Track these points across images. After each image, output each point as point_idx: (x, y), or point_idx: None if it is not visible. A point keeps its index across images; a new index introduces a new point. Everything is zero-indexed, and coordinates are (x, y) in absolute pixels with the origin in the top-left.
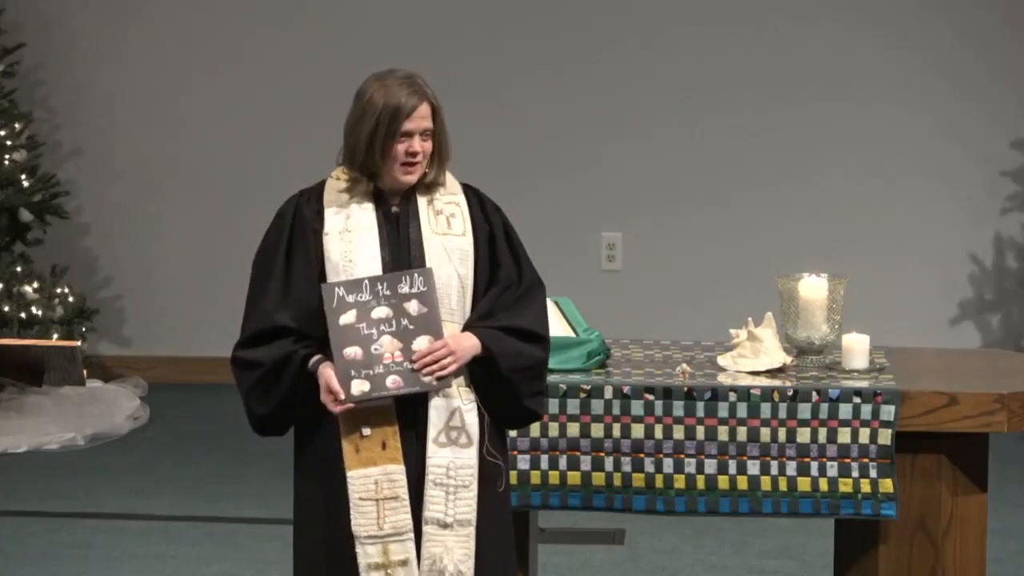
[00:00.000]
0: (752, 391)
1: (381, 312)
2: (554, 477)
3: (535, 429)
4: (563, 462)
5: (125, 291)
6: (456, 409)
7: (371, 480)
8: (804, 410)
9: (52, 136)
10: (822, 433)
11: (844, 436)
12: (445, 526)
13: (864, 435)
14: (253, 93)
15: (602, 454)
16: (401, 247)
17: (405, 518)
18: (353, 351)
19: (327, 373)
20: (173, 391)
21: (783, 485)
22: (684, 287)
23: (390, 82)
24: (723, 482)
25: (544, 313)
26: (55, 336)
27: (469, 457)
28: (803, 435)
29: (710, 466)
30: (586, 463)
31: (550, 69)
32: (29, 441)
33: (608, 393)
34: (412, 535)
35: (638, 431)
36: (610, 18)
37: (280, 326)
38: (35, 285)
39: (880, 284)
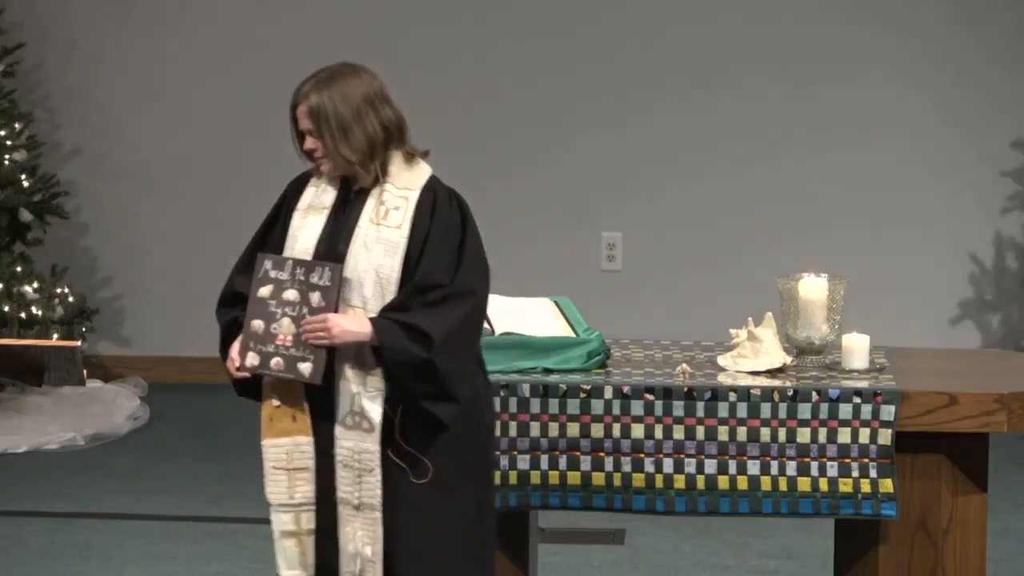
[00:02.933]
0: (752, 391)
1: (291, 295)
2: (554, 477)
3: (535, 429)
4: (563, 462)
5: (125, 291)
6: (356, 395)
7: (283, 450)
8: (804, 410)
9: (52, 136)
10: (822, 433)
11: (844, 436)
12: (354, 507)
13: (864, 435)
14: (254, 93)
15: (602, 454)
16: (337, 231)
17: (310, 489)
18: (257, 324)
19: (239, 337)
20: (173, 391)
21: (783, 485)
22: (684, 287)
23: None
24: (723, 482)
25: (456, 319)
26: (55, 336)
27: (372, 443)
28: (803, 435)
29: (710, 466)
30: (586, 463)
31: (550, 69)
32: (29, 441)
33: (608, 393)
34: (315, 507)
35: (638, 431)
36: (610, 17)
37: (236, 291)
38: (35, 285)
39: (880, 284)
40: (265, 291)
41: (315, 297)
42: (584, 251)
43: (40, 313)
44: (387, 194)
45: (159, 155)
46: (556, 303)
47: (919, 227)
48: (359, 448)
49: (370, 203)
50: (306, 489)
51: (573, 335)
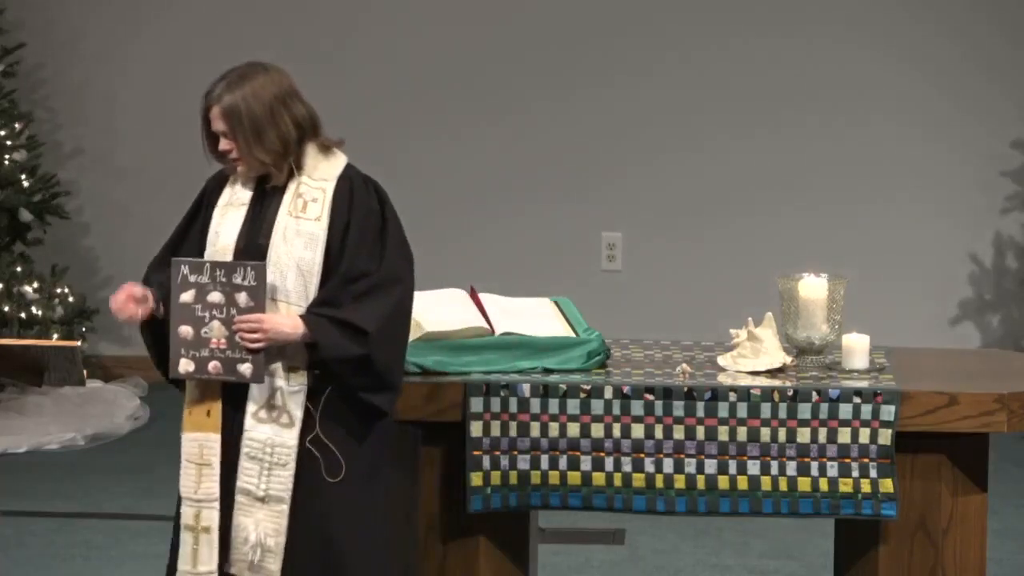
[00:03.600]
0: (752, 391)
1: (215, 297)
2: (554, 477)
3: (535, 429)
4: (563, 462)
5: None
6: (278, 389)
7: (196, 444)
8: (804, 410)
9: (52, 136)
10: (822, 433)
11: (844, 436)
12: (257, 499)
13: (864, 435)
14: None
15: (602, 454)
16: (256, 226)
17: (214, 486)
18: (186, 330)
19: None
20: (173, 391)
21: (783, 485)
22: (684, 287)
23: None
24: (723, 482)
25: (385, 309)
26: (55, 336)
27: (289, 437)
28: (803, 435)
29: (710, 466)
30: (586, 463)
31: (552, 69)
32: (29, 441)
33: (608, 393)
34: (218, 505)
35: (638, 431)
36: (612, 20)
37: (151, 280)
38: (35, 285)
39: (880, 284)
40: (187, 296)
41: (242, 297)
42: (584, 251)
43: (40, 313)
44: (304, 186)
45: (160, 155)
46: (556, 303)
47: (919, 227)
48: (274, 442)
49: (287, 196)
50: (209, 485)
51: (573, 335)
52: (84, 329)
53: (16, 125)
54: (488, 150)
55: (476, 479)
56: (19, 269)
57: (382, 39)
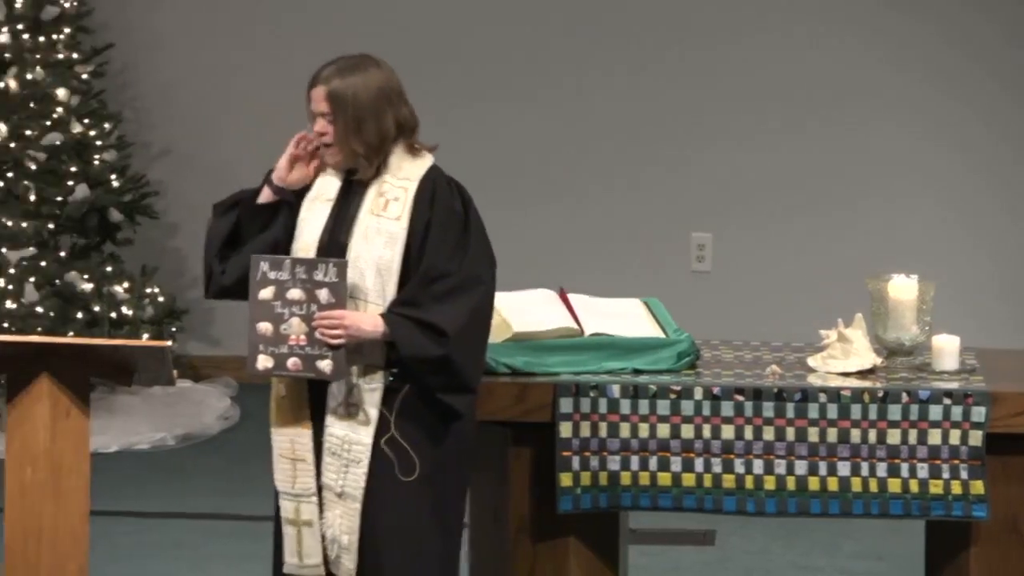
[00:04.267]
0: (842, 392)
1: (295, 294)
2: (644, 478)
3: (625, 430)
4: (653, 463)
5: None
6: (355, 386)
7: (287, 440)
8: (894, 411)
9: (141, 136)
10: (912, 434)
11: (935, 437)
12: (336, 494)
13: (955, 436)
14: None
15: (692, 455)
16: (340, 222)
17: (310, 481)
18: (265, 326)
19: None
20: (263, 391)
21: (874, 486)
22: (774, 288)
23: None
24: (813, 483)
25: (465, 310)
26: (145, 336)
27: (365, 435)
28: (893, 436)
29: (800, 467)
30: (676, 464)
31: (639, 69)
32: (119, 441)
33: (698, 394)
34: (316, 499)
35: (728, 432)
36: (699, 17)
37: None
38: (125, 285)
39: (970, 285)
40: (267, 293)
41: (323, 294)
42: (674, 252)
43: (130, 313)
44: (387, 185)
45: (246, 155)
46: (646, 304)
47: (1010, 227)
48: (350, 439)
49: (370, 194)
50: (305, 480)
51: (663, 336)
52: (174, 329)
53: (105, 125)
54: (578, 151)
55: (566, 480)
56: (109, 269)
57: (463, 34)
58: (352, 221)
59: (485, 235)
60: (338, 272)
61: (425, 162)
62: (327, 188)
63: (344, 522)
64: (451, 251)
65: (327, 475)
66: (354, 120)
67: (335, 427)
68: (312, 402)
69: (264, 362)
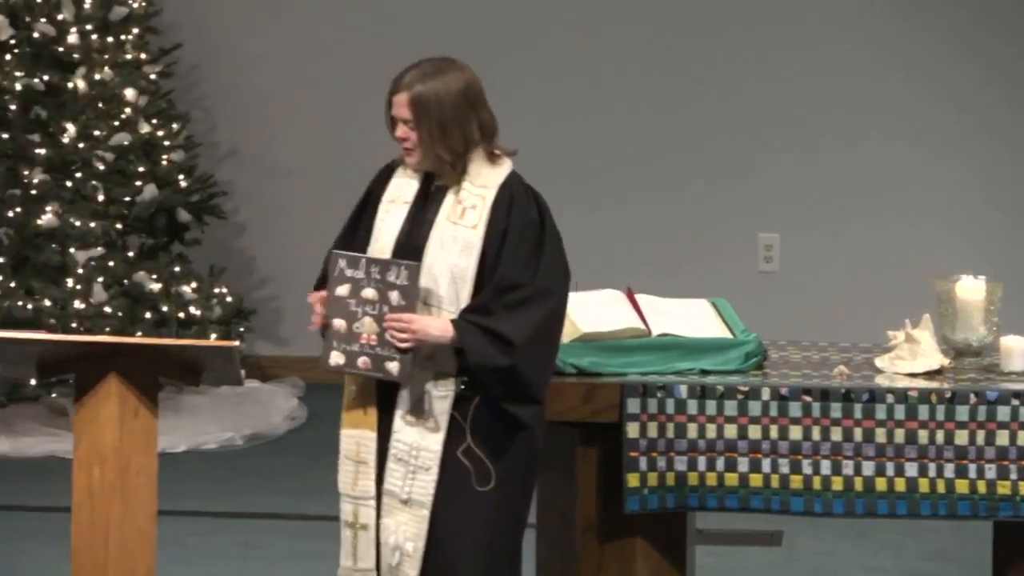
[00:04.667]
0: (910, 393)
1: (369, 293)
2: (711, 478)
3: (692, 430)
4: (720, 463)
5: (282, 291)
6: (426, 393)
7: (353, 441)
8: (962, 412)
9: (209, 136)
10: (980, 435)
11: (1002, 438)
12: (400, 501)
13: (1023, 437)
14: None
15: (759, 455)
16: (416, 227)
17: (370, 485)
18: (339, 323)
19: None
20: (330, 391)
21: (941, 487)
22: (841, 288)
23: (410, 65)
24: (881, 484)
25: (535, 322)
26: (213, 336)
27: (434, 442)
28: (961, 437)
29: (868, 468)
30: (743, 464)
31: (709, 69)
32: (187, 441)
33: (765, 395)
34: (374, 503)
35: (796, 432)
36: (775, 21)
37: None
38: (193, 285)
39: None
40: (343, 290)
41: (394, 296)
42: (741, 253)
43: (198, 313)
44: (464, 192)
45: (315, 155)
46: (713, 304)
47: None
48: (419, 445)
49: (448, 201)
50: (365, 483)
51: (730, 336)
52: (242, 329)
53: (174, 125)
54: (645, 152)
55: (633, 480)
56: (177, 269)
57: (538, 36)
58: (429, 227)
59: (561, 246)
60: (409, 275)
61: (503, 169)
62: (405, 190)
63: (409, 529)
64: (526, 261)
65: (390, 481)
66: (438, 127)
67: (403, 433)
68: (380, 406)
69: (336, 358)
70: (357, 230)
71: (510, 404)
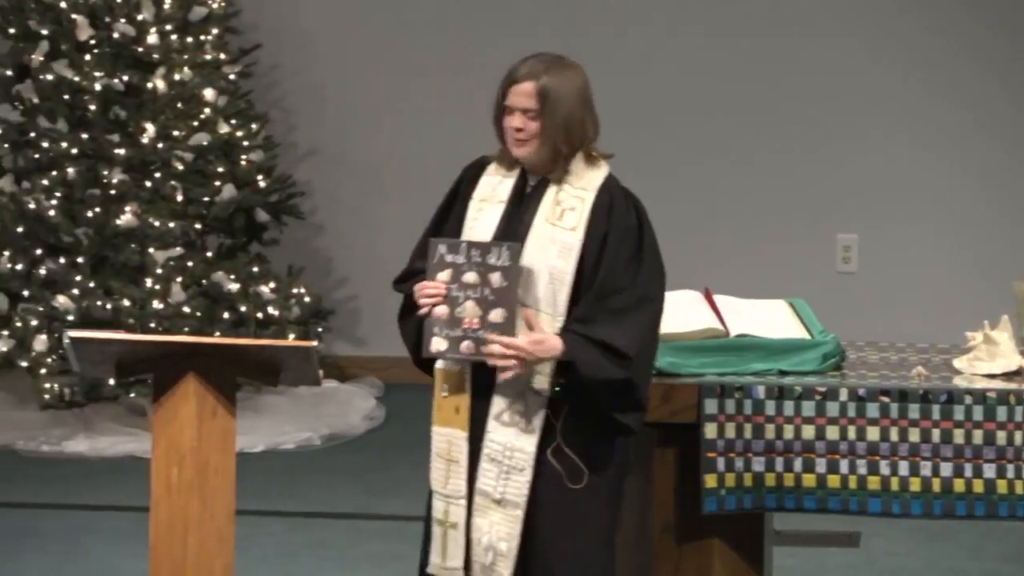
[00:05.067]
0: (988, 394)
1: (470, 277)
2: (789, 479)
3: (770, 431)
4: (798, 464)
5: (360, 291)
6: (523, 393)
7: (444, 439)
8: None
9: (288, 136)
10: None
11: None
12: (493, 501)
13: None
14: (486, 93)
15: (837, 456)
16: (513, 227)
17: (461, 484)
18: (441, 309)
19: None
20: (409, 391)
21: (1019, 488)
22: (920, 289)
23: (524, 58)
24: (959, 485)
25: (643, 331)
26: (291, 336)
27: (528, 443)
28: None
29: (946, 469)
30: (821, 465)
31: (792, 70)
32: (265, 441)
33: (843, 395)
34: (465, 502)
35: (873, 434)
36: (841, 22)
37: (413, 271)
38: (271, 285)
39: None
40: (444, 276)
41: (495, 277)
42: (819, 253)
43: (277, 313)
44: (563, 194)
45: (394, 156)
46: (791, 305)
47: None
48: (513, 446)
49: (546, 201)
50: (456, 482)
51: (808, 337)
52: (320, 329)
53: (253, 126)
54: (724, 151)
55: (710, 481)
56: (256, 269)
57: (611, 36)
58: (526, 227)
59: (658, 249)
60: (511, 255)
61: (601, 171)
62: (499, 189)
63: (502, 528)
64: (625, 266)
65: (483, 481)
66: (562, 119)
67: (497, 433)
68: (472, 405)
69: (438, 344)
70: (443, 229)
71: (618, 413)
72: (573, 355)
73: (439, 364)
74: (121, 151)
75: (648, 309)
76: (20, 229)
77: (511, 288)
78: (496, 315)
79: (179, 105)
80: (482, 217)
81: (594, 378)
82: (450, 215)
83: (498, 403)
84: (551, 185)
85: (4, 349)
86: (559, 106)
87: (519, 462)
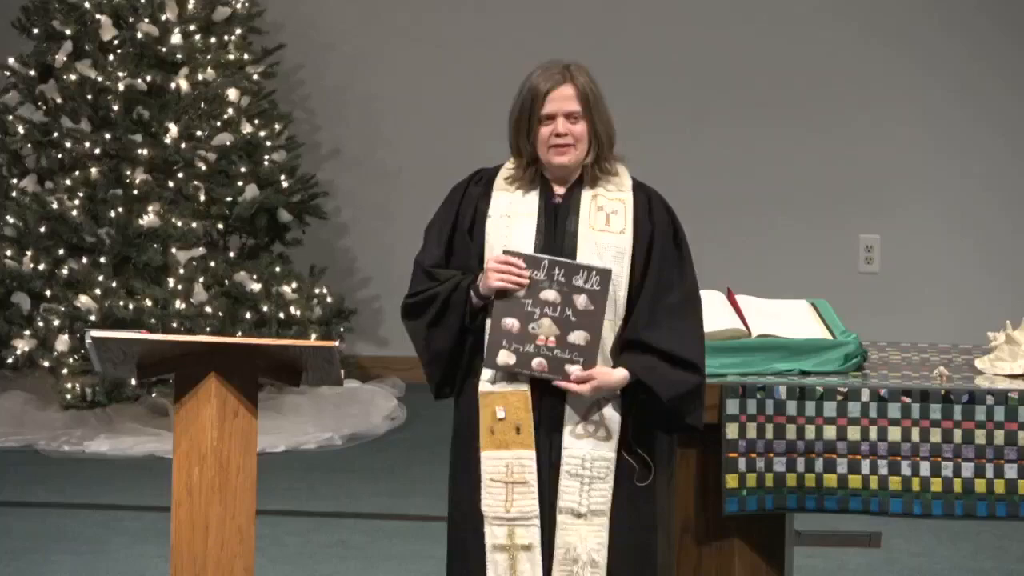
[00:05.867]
0: (1010, 395)
1: (550, 295)
2: (810, 480)
3: (791, 431)
4: (819, 464)
5: (383, 292)
6: (596, 402)
7: (503, 463)
8: None
9: (311, 137)
10: None
11: None
12: (579, 515)
13: None
14: (508, 95)
15: (859, 457)
16: (556, 238)
17: (532, 504)
18: (511, 322)
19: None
20: (430, 391)
21: None
22: (942, 290)
23: (543, 68)
24: (980, 485)
25: (700, 331)
26: (313, 336)
27: (607, 450)
28: None
29: (967, 469)
30: (843, 466)
31: (811, 67)
32: (287, 441)
33: (865, 396)
34: (538, 521)
35: (895, 434)
36: (867, 24)
37: (442, 273)
38: (294, 285)
39: None
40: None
41: (581, 300)
42: (842, 253)
43: (299, 313)
44: (602, 198)
45: (417, 156)
46: (813, 305)
47: None
48: (593, 456)
49: (586, 208)
50: (524, 503)
51: (830, 337)
52: (342, 329)
53: (276, 126)
54: (748, 153)
55: (732, 481)
56: (278, 269)
57: (647, 46)
58: (572, 237)
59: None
60: (601, 280)
61: (626, 173)
62: (525, 203)
63: (593, 540)
64: (672, 262)
65: (566, 499)
66: (605, 117)
67: (574, 448)
68: (538, 422)
69: (506, 357)
70: (454, 250)
71: (690, 417)
72: (646, 380)
73: (491, 387)
74: (144, 151)
75: (698, 304)
76: (43, 229)
77: (598, 312)
78: (577, 337)
79: (202, 105)
80: (514, 233)
81: (674, 395)
82: (457, 234)
83: (571, 418)
84: (583, 191)
85: (26, 349)
86: (600, 104)
87: (600, 471)
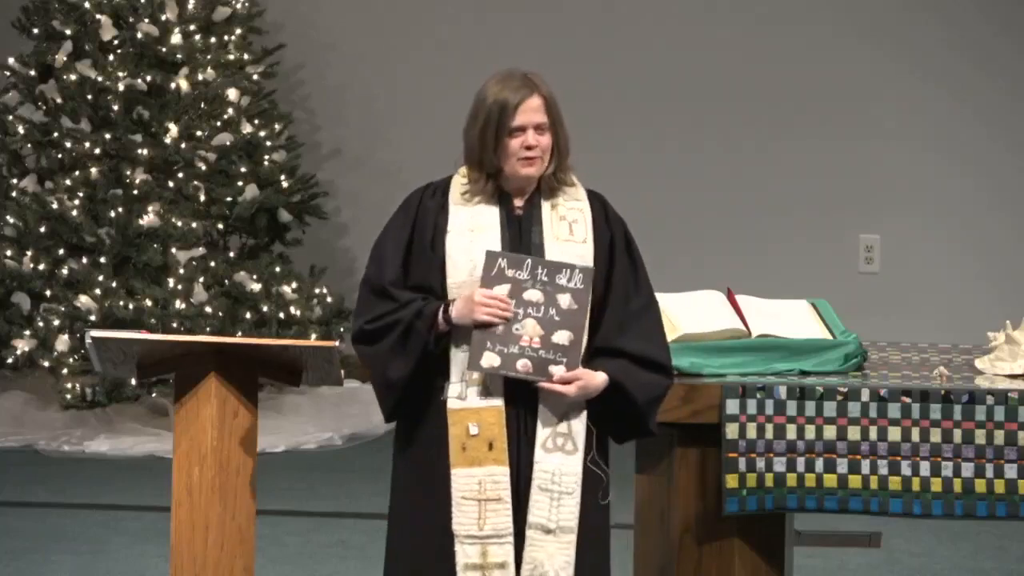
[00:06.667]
0: (1010, 395)
1: (533, 295)
2: (810, 480)
3: (791, 431)
4: (819, 464)
5: None
6: (565, 414)
7: (475, 480)
8: None
9: (312, 137)
10: None
11: None
12: (548, 531)
13: None
14: None
15: (859, 457)
16: (522, 250)
17: (506, 521)
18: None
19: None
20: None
21: None
22: (941, 290)
23: (502, 79)
24: (980, 485)
25: (664, 333)
26: (313, 336)
27: (575, 464)
28: None
29: (967, 469)
30: (843, 466)
31: (809, 68)
32: (287, 441)
33: (865, 396)
34: (512, 538)
35: (895, 434)
36: (867, 25)
37: (401, 295)
38: (294, 285)
39: None
40: (500, 290)
41: (564, 299)
42: (842, 253)
43: (299, 313)
44: (562, 208)
45: (417, 156)
46: (813, 305)
47: None
48: (562, 470)
49: (548, 218)
50: (498, 520)
51: (830, 337)
52: (342, 329)
53: (276, 126)
54: (748, 154)
55: (732, 481)
56: (278, 269)
57: (647, 48)
58: (538, 248)
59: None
60: (584, 279)
61: (577, 182)
62: (485, 217)
63: (559, 558)
64: (631, 266)
65: (536, 514)
66: (563, 129)
67: (545, 462)
68: (511, 437)
69: (490, 359)
70: (412, 261)
71: (651, 422)
72: (623, 383)
73: (462, 404)
74: (144, 151)
75: (657, 308)
76: (43, 229)
77: (581, 311)
78: (561, 337)
79: (202, 105)
80: (477, 248)
81: (649, 398)
82: (413, 247)
83: (542, 431)
84: (543, 202)
85: (27, 349)
86: (560, 114)
87: (568, 485)
